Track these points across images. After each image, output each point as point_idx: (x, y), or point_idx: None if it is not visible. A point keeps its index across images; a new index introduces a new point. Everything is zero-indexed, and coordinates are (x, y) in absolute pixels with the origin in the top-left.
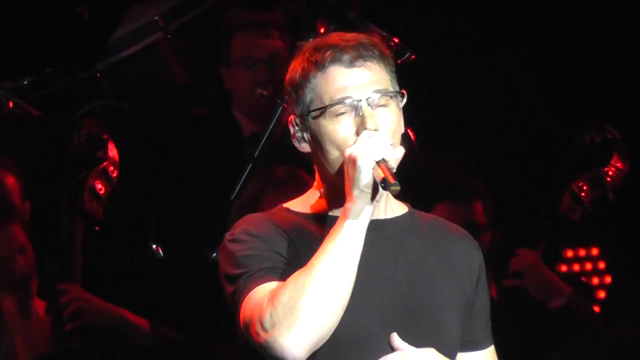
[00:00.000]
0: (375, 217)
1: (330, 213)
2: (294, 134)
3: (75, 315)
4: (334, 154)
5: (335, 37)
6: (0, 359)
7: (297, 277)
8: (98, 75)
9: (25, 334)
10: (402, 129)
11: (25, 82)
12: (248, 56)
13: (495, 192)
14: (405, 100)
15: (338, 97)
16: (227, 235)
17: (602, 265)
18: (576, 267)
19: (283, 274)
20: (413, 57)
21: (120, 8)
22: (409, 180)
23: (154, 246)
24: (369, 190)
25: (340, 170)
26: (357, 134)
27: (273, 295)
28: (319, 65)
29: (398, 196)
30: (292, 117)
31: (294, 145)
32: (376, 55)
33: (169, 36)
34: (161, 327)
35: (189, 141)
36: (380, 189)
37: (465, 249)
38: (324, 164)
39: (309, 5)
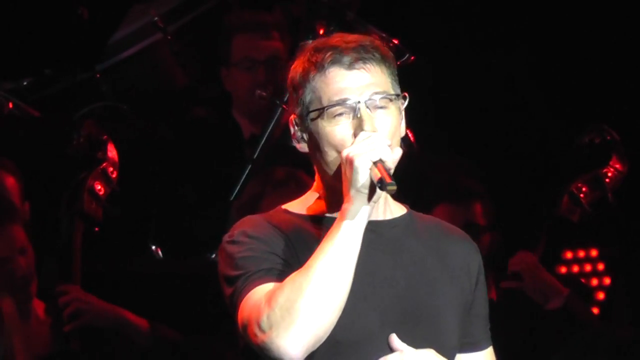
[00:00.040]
0: (374, 218)
1: (329, 214)
2: (294, 133)
3: (74, 316)
4: (331, 155)
5: (337, 38)
6: None
7: (294, 278)
8: (97, 76)
9: (24, 335)
10: (402, 132)
11: (25, 83)
12: (247, 57)
13: (494, 194)
14: (406, 103)
15: (336, 98)
16: (226, 237)
17: (601, 266)
18: (575, 269)
19: (281, 275)
20: (412, 58)
21: (120, 9)
22: (408, 181)
23: (153, 247)
24: (366, 191)
25: (338, 172)
26: (355, 135)
27: (270, 297)
28: (319, 66)
29: (397, 197)
30: (292, 116)
31: (294, 146)
32: (377, 58)
33: (169, 37)
34: (161, 327)
35: (189, 142)
36: (378, 189)
37: (464, 251)
38: (322, 165)
39: (308, 7)
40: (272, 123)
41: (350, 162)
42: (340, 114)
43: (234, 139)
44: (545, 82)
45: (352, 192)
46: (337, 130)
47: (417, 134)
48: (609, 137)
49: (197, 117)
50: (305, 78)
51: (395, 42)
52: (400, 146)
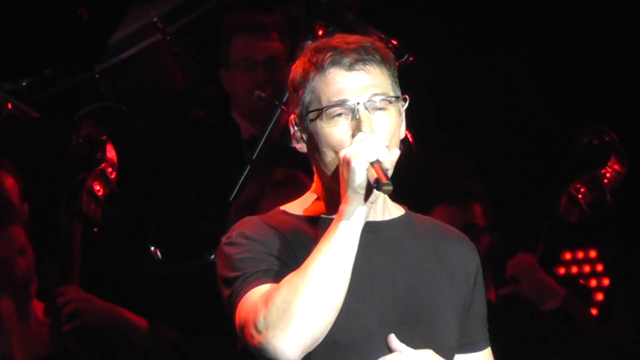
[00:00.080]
0: (373, 219)
1: (328, 215)
2: (293, 134)
3: (73, 316)
4: (329, 155)
5: (338, 39)
6: None
7: (291, 278)
8: (97, 76)
9: (23, 336)
10: (401, 134)
11: (24, 84)
12: (247, 58)
13: (493, 195)
14: (406, 105)
15: (335, 99)
16: (224, 239)
17: (600, 267)
18: (574, 270)
19: (279, 277)
20: (411, 59)
21: (119, 10)
22: (408, 182)
23: (152, 248)
24: (363, 191)
25: (336, 172)
26: (353, 136)
27: (267, 297)
28: (319, 67)
29: (395, 198)
30: (292, 117)
31: (293, 147)
32: (377, 59)
33: (168, 38)
34: (160, 327)
35: (188, 143)
36: (375, 190)
37: (462, 251)
38: (320, 166)
39: (307, 8)
40: (271, 124)
41: (347, 162)
42: (339, 115)
43: (233, 140)
44: (544, 83)
45: (349, 192)
46: (335, 131)
47: (416, 134)
48: (607, 138)
49: (197, 118)
50: (305, 78)
51: (394, 43)
52: (400, 148)
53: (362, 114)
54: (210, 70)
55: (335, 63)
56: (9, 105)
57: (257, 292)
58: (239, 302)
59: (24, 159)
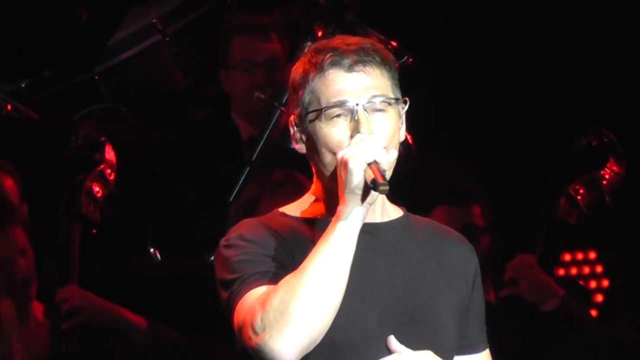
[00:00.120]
0: (371, 220)
1: (326, 217)
2: (293, 134)
3: (72, 314)
4: (328, 156)
5: (338, 40)
6: None
7: (288, 280)
8: (97, 77)
9: (23, 337)
10: (400, 136)
11: (24, 85)
12: (246, 59)
13: (493, 195)
14: (407, 107)
15: (335, 100)
16: (222, 241)
17: (599, 268)
18: (574, 271)
19: (277, 278)
20: (411, 60)
21: (119, 10)
22: (407, 183)
23: (152, 250)
24: (360, 192)
25: (334, 174)
26: (352, 137)
27: (264, 299)
28: (319, 67)
29: (394, 199)
30: (292, 117)
31: (292, 148)
32: (377, 61)
33: (168, 39)
34: (159, 326)
35: (188, 144)
36: (372, 191)
37: (461, 253)
38: (319, 167)
39: (307, 9)
40: (271, 125)
41: (344, 163)
42: (338, 116)
43: (233, 141)
44: (544, 84)
45: (347, 193)
46: (334, 132)
47: (416, 135)
48: (606, 140)
49: (196, 119)
50: (305, 79)
51: (394, 44)
52: (399, 150)
53: (361, 115)
54: (209, 71)
55: (335, 64)
56: (9, 106)
57: (255, 294)
58: (236, 304)
59: (23, 160)
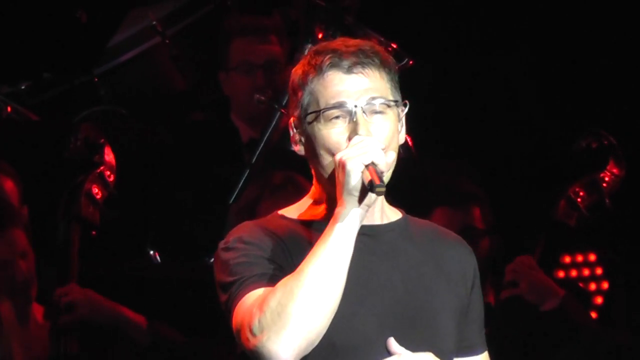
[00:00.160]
0: (370, 222)
1: (325, 219)
2: (292, 136)
3: (71, 308)
4: (326, 158)
5: (338, 42)
6: None
7: (285, 282)
8: (96, 80)
9: (23, 339)
10: (400, 138)
11: (23, 87)
12: (246, 61)
13: (493, 197)
14: (406, 109)
15: (333, 101)
16: (221, 244)
17: (599, 271)
18: (573, 273)
19: (276, 280)
20: (411, 62)
21: (118, 13)
22: (407, 185)
23: (151, 252)
24: (358, 194)
25: (333, 176)
26: (350, 139)
27: (262, 301)
28: (318, 69)
29: (393, 201)
30: (291, 119)
31: (292, 150)
32: (376, 63)
33: (167, 41)
34: (159, 325)
35: (187, 146)
36: (369, 192)
37: (460, 255)
38: (318, 168)
39: (307, 11)
40: (271, 127)
41: (342, 165)
42: (337, 118)
43: (233, 143)
44: (544, 86)
45: (345, 195)
46: (332, 134)
47: (415, 136)
48: (606, 142)
49: (196, 121)
50: (304, 80)
51: (394, 46)
52: (399, 152)
53: (360, 117)
54: (209, 73)
55: (334, 65)
56: (8, 109)
57: (253, 296)
58: (235, 306)
59: (23, 162)
